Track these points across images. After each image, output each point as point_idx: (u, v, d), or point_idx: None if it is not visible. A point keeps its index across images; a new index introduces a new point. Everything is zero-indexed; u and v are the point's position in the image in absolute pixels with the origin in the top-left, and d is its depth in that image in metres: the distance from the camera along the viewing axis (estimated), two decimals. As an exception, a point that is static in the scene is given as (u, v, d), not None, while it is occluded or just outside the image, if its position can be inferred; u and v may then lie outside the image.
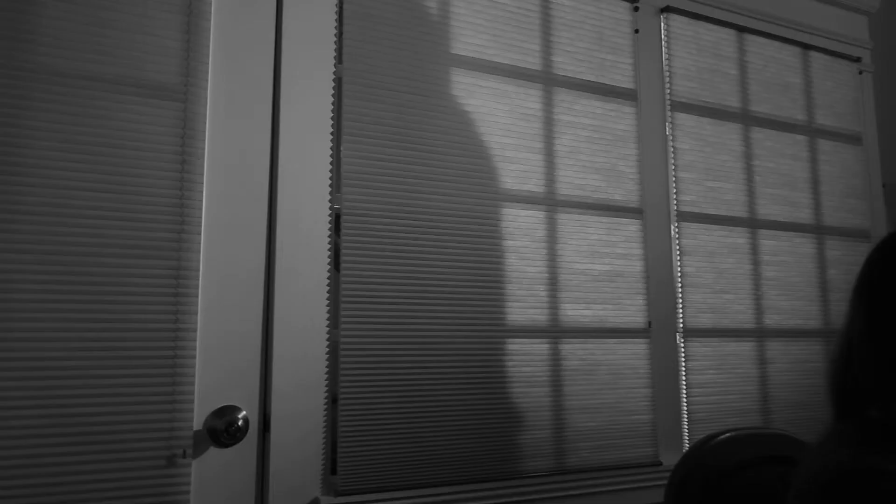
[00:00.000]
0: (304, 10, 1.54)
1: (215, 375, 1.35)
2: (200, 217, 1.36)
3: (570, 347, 1.76)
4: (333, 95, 1.55)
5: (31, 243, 1.21)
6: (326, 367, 1.46)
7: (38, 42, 1.26)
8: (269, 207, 1.46)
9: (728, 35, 2.18)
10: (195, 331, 1.32)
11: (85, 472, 1.21)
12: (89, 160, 1.28)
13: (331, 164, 1.52)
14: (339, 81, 1.56)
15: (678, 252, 1.97)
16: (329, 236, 1.50)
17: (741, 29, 2.19)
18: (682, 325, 1.95)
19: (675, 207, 1.99)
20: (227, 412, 1.32)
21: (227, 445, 1.32)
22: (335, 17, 1.57)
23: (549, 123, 1.82)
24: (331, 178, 1.52)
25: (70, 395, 1.21)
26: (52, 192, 1.24)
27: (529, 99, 1.80)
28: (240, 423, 1.32)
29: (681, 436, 1.90)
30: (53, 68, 1.26)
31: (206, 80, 1.40)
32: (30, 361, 1.19)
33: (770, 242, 2.14)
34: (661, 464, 1.82)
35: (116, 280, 1.27)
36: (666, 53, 2.04)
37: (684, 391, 1.92)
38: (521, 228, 1.73)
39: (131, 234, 1.30)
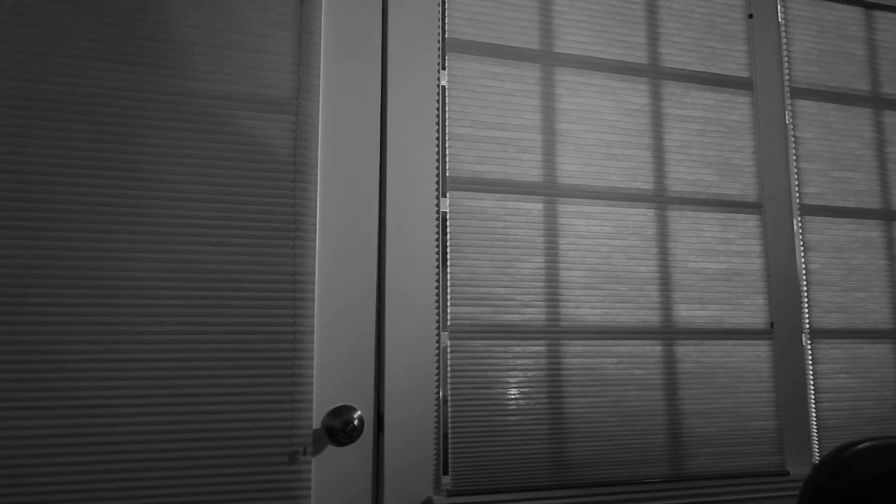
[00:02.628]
0: (409, 20, 1.57)
1: (332, 377, 1.40)
2: (315, 224, 1.42)
3: (684, 350, 1.69)
4: (438, 101, 1.57)
5: (158, 252, 1.31)
6: (436, 368, 1.48)
7: (166, 66, 1.36)
8: (379, 213, 1.50)
9: (854, 13, 2.02)
10: (312, 333, 1.38)
11: (211, 467, 1.29)
12: (209, 173, 1.36)
13: (437, 167, 1.54)
14: (442, 89, 1.58)
15: (802, 248, 1.85)
16: (436, 240, 1.52)
17: (869, 6, 2.03)
18: (808, 326, 1.82)
19: (798, 200, 1.87)
20: (344, 412, 1.37)
21: (343, 444, 1.37)
22: (438, 26, 1.59)
23: (657, 118, 1.76)
24: (437, 182, 1.54)
25: (196, 395, 1.30)
26: (175, 204, 1.33)
27: (636, 94, 1.74)
28: (356, 422, 1.37)
29: (809, 444, 1.78)
30: (179, 89, 1.36)
31: (318, 94, 1.46)
32: (160, 362, 1.29)
33: (908, 235, 1.97)
34: (787, 473, 1.72)
35: (238, 286, 1.35)
36: (784, 37, 1.93)
37: (812, 396, 1.80)
38: (629, 227, 1.68)
39: (249, 244, 1.37)
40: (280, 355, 1.36)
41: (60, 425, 1.22)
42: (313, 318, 1.39)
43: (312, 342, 1.38)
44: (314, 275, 1.41)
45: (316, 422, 1.38)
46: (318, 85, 1.47)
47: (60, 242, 1.26)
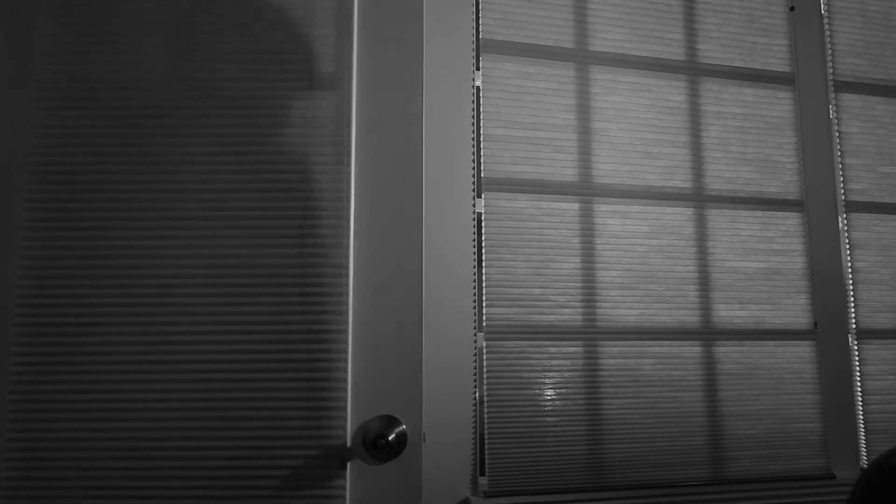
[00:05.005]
0: (444, 20, 1.58)
1: (375, 384, 1.42)
2: (350, 235, 1.44)
3: (724, 350, 1.66)
4: (473, 102, 1.57)
5: (194, 248, 1.32)
6: (474, 370, 1.48)
7: (200, 58, 1.38)
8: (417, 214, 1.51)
9: (901, 3, 1.96)
10: (347, 333, 1.40)
11: (244, 478, 1.31)
12: (245, 168, 1.39)
13: (472, 168, 1.55)
14: (476, 89, 1.59)
15: (848, 246, 1.80)
16: (473, 240, 1.53)
17: (917, -6, 1.96)
18: (854, 326, 1.78)
19: (843, 197, 1.82)
20: (390, 423, 1.35)
21: (385, 460, 1.34)
22: (472, 26, 1.60)
23: (695, 115, 1.73)
24: (473, 183, 1.55)
25: (224, 400, 1.32)
26: (205, 196, 1.36)
27: (673, 91, 1.72)
28: (392, 438, 1.34)
29: (857, 447, 1.73)
30: (210, 78, 1.38)
31: (351, 96, 1.48)
32: (189, 364, 1.30)
33: (961, 232, 1.90)
34: (833, 476, 1.67)
35: (278, 283, 1.37)
36: (828, 29, 1.88)
37: (860, 398, 1.75)
38: (666, 226, 1.66)
39: (292, 242, 1.39)
40: (319, 357, 1.38)
41: (103, 427, 1.25)
42: (348, 317, 1.41)
43: (347, 343, 1.40)
44: (348, 275, 1.43)
45: (352, 427, 1.39)
46: (352, 90, 1.48)
47: (100, 242, 1.30)
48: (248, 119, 1.38)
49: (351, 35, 1.44)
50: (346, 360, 1.33)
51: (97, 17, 1.31)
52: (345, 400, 1.28)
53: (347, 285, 1.36)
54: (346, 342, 1.40)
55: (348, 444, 1.22)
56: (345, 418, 1.26)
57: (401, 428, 1.19)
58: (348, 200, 1.43)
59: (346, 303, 1.33)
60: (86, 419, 1.27)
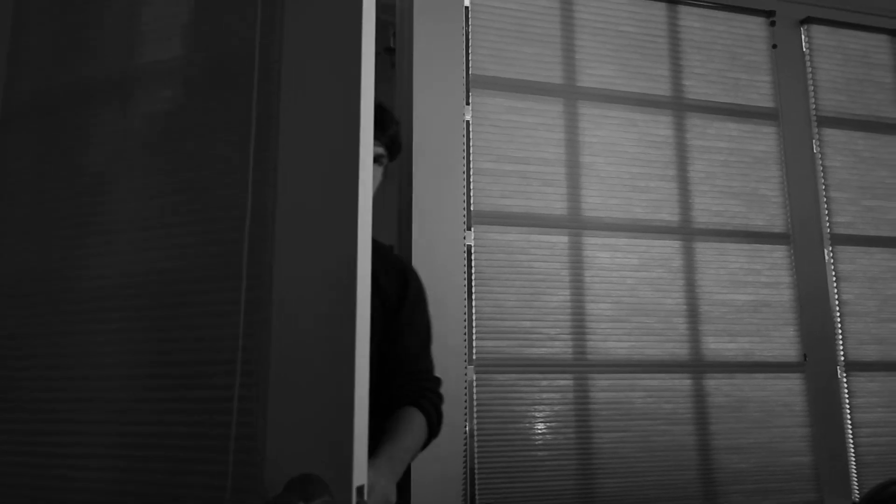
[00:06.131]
0: (434, 57, 1.61)
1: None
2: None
3: (714, 383, 1.66)
4: (464, 137, 1.59)
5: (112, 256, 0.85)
6: (465, 403, 1.47)
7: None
8: (405, 247, 1.51)
9: (879, 41, 2.01)
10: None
11: None
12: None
13: (463, 202, 1.56)
14: (466, 124, 1.61)
15: (834, 278, 1.82)
16: (464, 273, 1.53)
17: (894, 33, 2.02)
18: (843, 358, 1.78)
19: (829, 230, 1.84)
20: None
21: None
22: (462, 62, 1.63)
23: (681, 149, 1.76)
24: (464, 217, 1.55)
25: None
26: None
27: (659, 126, 1.75)
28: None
29: (848, 480, 1.73)
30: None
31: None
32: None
33: (944, 264, 1.92)
34: (825, 511, 1.66)
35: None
36: (809, 67, 1.92)
37: (850, 431, 1.75)
38: (655, 259, 1.68)
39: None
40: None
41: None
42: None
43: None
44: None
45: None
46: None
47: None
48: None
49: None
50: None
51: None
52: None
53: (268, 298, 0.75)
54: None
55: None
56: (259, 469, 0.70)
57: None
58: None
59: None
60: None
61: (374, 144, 1.01)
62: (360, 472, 0.63)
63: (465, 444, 1.46)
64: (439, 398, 1.07)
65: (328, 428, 0.64)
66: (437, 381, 1.09)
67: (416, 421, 1.01)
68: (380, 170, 1.10)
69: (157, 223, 0.82)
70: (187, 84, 0.89)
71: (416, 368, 1.08)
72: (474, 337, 1.50)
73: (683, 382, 1.64)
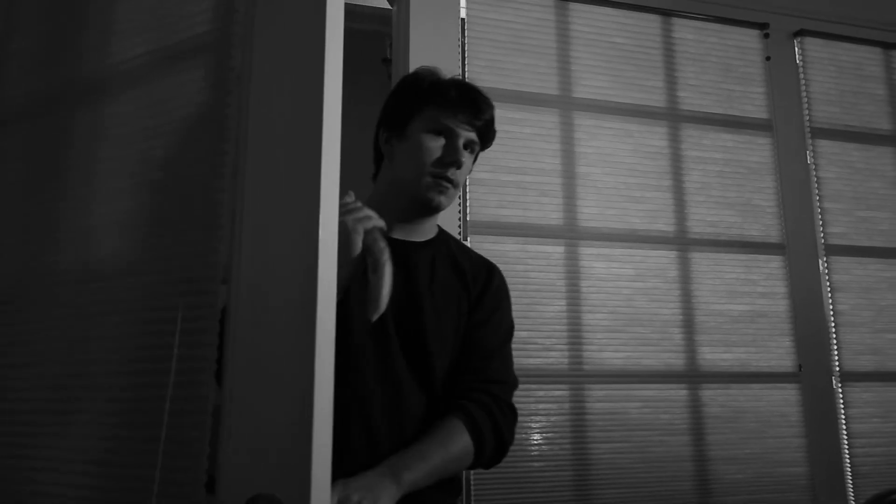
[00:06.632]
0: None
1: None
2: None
3: (710, 393, 1.66)
4: (458, 147, 1.59)
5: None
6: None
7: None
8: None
9: (872, 53, 2.02)
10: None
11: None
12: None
13: (458, 212, 1.56)
14: (462, 133, 1.61)
15: (829, 289, 1.82)
16: (457, 284, 1.53)
17: (887, 46, 2.03)
18: (838, 369, 1.79)
19: (823, 241, 1.84)
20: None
21: None
22: (458, 73, 1.63)
23: (676, 160, 1.77)
24: (459, 227, 1.55)
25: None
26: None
27: (654, 137, 1.76)
28: None
29: (844, 491, 1.72)
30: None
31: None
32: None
33: (938, 275, 1.93)
34: (822, 522, 1.66)
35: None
36: (803, 78, 1.93)
37: (845, 441, 1.75)
38: (651, 269, 1.68)
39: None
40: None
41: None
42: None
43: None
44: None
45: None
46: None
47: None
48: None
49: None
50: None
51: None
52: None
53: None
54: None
55: None
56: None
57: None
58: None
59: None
60: None
61: (466, 130, 0.98)
62: (322, 492, 0.58)
63: (461, 456, 1.45)
64: (500, 408, 0.94)
65: (286, 446, 0.60)
66: (506, 387, 0.97)
67: (449, 428, 0.89)
68: (471, 158, 1.02)
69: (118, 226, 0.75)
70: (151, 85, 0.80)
71: (484, 367, 0.96)
72: (470, 347, 1.50)
73: (679, 393, 1.64)
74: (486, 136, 1.03)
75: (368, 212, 0.85)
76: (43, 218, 0.85)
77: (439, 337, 0.95)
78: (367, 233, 0.82)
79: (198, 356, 0.64)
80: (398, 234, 0.98)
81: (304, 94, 0.65)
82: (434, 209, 0.98)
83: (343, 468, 0.80)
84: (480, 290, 1.01)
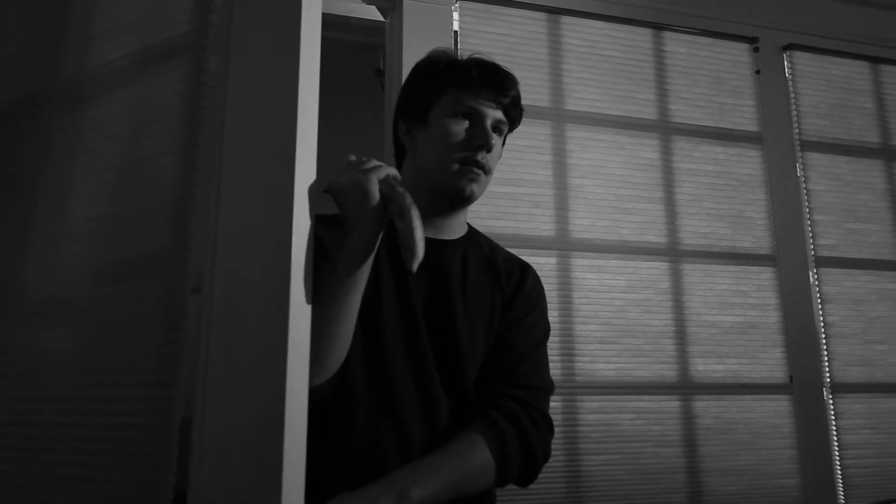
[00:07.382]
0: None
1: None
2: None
3: (702, 405, 1.66)
4: (451, 158, 1.60)
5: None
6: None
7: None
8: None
9: (860, 68, 2.05)
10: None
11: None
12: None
13: (450, 224, 1.56)
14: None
15: (819, 300, 1.83)
16: (450, 295, 1.53)
17: (875, 60, 2.06)
18: (829, 380, 1.79)
19: (813, 252, 1.86)
20: None
21: None
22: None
23: (667, 172, 1.78)
24: (450, 238, 1.56)
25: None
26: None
27: (646, 149, 1.77)
28: None
29: (836, 501, 1.73)
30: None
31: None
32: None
33: (927, 287, 1.94)
34: (814, 534, 1.66)
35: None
36: (792, 92, 1.95)
37: (836, 453, 1.75)
38: (643, 280, 1.68)
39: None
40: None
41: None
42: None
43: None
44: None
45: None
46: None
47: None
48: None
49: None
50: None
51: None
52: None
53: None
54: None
55: None
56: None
57: None
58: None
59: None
60: None
61: (492, 108, 0.89)
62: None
63: (454, 467, 1.45)
64: (531, 417, 0.89)
65: (257, 461, 0.59)
66: (538, 393, 0.92)
67: (467, 441, 0.83)
68: (500, 140, 0.93)
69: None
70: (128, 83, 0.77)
71: (514, 370, 0.91)
72: (463, 358, 1.50)
73: (672, 404, 1.64)
74: (514, 114, 0.94)
75: (377, 162, 0.78)
76: (16, 225, 0.81)
77: (472, 339, 0.90)
78: (382, 182, 0.75)
79: (167, 367, 0.61)
80: (426, 233, 0.85)
81: (280, 97, 0.63)
82: (465, 200, 0.90)
83: (372, 469, 0.78)
84: (514, 290, 0.96)
